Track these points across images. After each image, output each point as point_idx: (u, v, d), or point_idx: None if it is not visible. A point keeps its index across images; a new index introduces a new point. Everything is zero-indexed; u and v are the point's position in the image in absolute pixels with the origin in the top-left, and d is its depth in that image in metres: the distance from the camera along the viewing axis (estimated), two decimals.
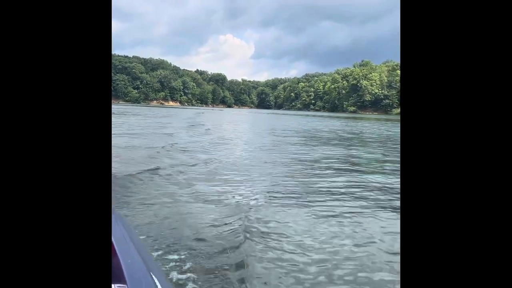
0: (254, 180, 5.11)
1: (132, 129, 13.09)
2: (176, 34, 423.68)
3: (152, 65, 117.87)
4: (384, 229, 3.17)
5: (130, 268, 1.03)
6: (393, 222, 3.38)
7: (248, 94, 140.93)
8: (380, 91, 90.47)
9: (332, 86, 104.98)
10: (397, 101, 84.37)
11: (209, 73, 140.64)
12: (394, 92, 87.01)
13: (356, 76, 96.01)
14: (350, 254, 2.57)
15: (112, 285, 0.94)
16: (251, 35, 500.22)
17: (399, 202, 3.98)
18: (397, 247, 2.67)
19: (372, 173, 6.18)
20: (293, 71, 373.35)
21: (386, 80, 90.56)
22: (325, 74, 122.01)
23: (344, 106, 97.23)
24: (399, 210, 3.77)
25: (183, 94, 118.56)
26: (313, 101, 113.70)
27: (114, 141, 8.33)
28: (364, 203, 4.02)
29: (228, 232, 2.91)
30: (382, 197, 4.33)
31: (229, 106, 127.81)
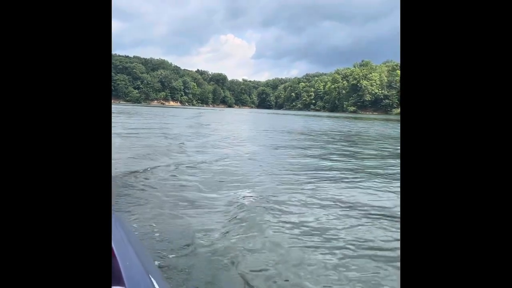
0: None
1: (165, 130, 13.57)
2: (176, 34, 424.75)
3: (152, 65, 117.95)
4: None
5: (129, 270, 1.02)
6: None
7: (249, 94, 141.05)
8: (380, 91, 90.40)
9: (333, 86, 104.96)
10: (397, 101, 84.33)
11: (210, 73, 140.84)
12: (394, 92, 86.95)
13: (356, 76, 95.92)
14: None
15: None
16: (252, 35, 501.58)
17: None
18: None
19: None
20: (294, 71, 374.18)
21: (386, 80, 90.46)
22: (325, 74, 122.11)
23: (344, 106, 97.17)
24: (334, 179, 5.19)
25: (183, 94, 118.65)
26: (313, 101, 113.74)
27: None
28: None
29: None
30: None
31: (230, 106, 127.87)
